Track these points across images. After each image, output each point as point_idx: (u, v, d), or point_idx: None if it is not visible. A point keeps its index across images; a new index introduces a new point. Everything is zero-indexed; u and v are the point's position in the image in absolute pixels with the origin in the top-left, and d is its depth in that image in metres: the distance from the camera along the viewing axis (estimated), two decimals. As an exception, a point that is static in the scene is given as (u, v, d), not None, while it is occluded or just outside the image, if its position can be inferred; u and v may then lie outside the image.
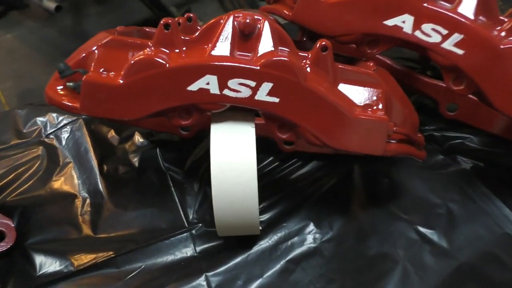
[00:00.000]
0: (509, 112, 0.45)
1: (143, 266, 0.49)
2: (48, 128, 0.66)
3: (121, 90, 0.41)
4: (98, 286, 0.48)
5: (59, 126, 0.65)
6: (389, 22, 0.48)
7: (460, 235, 0.51)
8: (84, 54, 0.45)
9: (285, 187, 0.57)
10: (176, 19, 0.57)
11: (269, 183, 0.58)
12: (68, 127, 0.65)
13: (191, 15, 0.56)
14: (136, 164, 0.60)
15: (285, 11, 0.54)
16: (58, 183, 0.59)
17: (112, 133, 0.64)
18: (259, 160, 0.60)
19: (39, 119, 0.67)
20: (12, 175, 0.59)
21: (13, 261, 0.50)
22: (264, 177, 0.58)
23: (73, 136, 0.64)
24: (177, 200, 0.56)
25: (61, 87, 0.46)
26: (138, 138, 0.63)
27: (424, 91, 0.61)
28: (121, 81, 0.41)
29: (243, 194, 0.42)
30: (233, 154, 0.42)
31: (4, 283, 0.49)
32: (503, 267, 0.48)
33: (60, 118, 0.66)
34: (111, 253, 0.50)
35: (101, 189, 0.57)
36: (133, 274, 0.49)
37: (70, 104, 0.45)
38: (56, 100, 0.45)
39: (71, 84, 0.44)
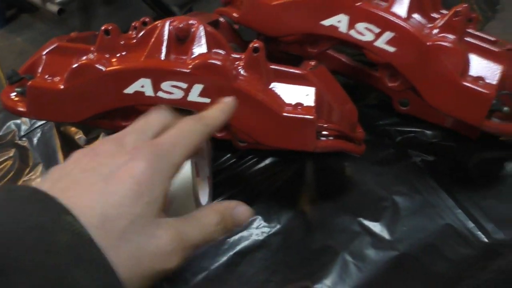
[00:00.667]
0: (438, 106, 0.47)
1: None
2: (22, 131, 0.69)
3: (63, 94, 0.44)
4: None
5: (32, 129, 0.69)
6: (326, 22, 0.49)
7: (403, 226, 0.52)
8: (32, 61, 0.47)
9: (239, 183, 0.59)
10: (133, 23, 0.60)
11: (224, 179, 0.60)
12: (39, 129, 0.68)
13: (147, 19, 0.58)
14: (100, 164, 0.63)
15: (234, 14, 0.56)
16: (27, 183, 0.62)
17: (80, 134, 0.67)
18: (216, 158, 0.62)
19: (14, 122, 0.70)
20: (-15, 176, 0.63)
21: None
22: (220, 174, 0.61)
23: (43, 137, 0.67)
24: (135, 197, 0.58)
25: (15, 93, 0.49)
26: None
27: (378, 87, 0.62)
28: (62, 86, 0.44)
29: (180, 191, 0.44)
30: (168, 153, 0.44)
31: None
32: (441, 257, 0.49)
33: (33, 121, 0.70)
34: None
35: (66, 188, 0.60)
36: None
37: (21, 109, 0.48)
38: (9, 105, 0.48)
39: (19, 89, 0.46)
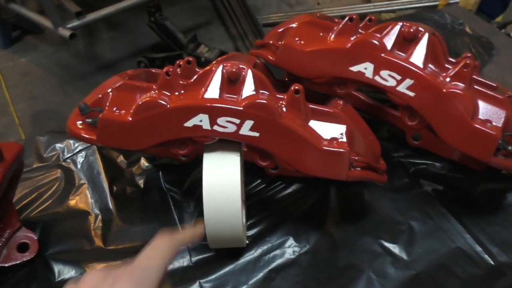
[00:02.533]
0: (452, 144, 0.54)
1: (145, 274, 0.58)
2: (66, 153, 0.75)
3: (130, 125, 0.51)
4: (107, 290, 0.57)
5: (75, 152, 0.75)
6: (354, 68, 0.57)
7: (419, 248, 0.59)
8: (100, 95, 0.54)
9: (270, 207, 0.66)
10: (178, 61, 0.67)
11: (256, 203, 0.66)
12: (83, 152, 0.74)
13: (190, 59, 0.65)
14: (141, 185, 0.69)
15: (269, 56, 0.64)
16: (74, 202, 0.68)
17: (121, 158, 0.73)
18: (248, 183, 0.69)
19: (58, 145, 0.76)
20: (35, 195, 0.68)
21: (35, 269, 0.59)
22: (252, 197, 0.67)
23: (87, 160, 0.73)
24: (176, 217, 0.64)
25: (80, 122, 0.56)
26: (143, 163, 0.72)
27: (393, 123, 0.70)
28: (130, 119, 0.51)
29: (229, 213, 0.51)
30: (220, 180, 0.51)
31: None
32: (453, 276, 0.56)
33: (76, 144, 0.76)
34: (118, 262, 0.59)
35: (111, 207, 0.66)
36: (137, 280, 0.57)
37: (87, 136, 0.54)
38: (77, 133, 0.55)
39: (89, 120, 0.53)
